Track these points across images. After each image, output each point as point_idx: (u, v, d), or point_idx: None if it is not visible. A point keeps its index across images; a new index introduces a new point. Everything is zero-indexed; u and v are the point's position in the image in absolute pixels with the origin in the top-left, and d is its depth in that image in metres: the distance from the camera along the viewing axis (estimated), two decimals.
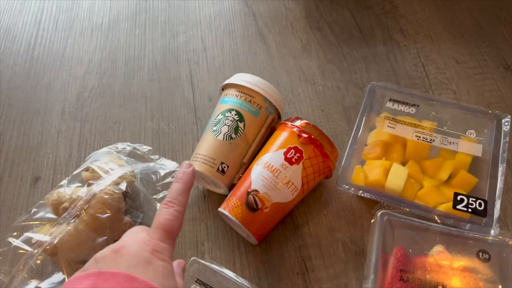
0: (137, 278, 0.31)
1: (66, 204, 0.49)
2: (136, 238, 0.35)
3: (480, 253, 0.43)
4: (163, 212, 0.37)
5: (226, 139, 0.52)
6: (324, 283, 0.49)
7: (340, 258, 0.50)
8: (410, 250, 0.45)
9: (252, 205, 0.48)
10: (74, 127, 0.64)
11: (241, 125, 0.53)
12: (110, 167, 0.53)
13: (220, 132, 0.53)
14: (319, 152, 0.50)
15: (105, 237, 0.48)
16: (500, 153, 0.52)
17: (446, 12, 0.74)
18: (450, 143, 0.55)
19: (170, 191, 0.39)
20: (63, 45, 0.75)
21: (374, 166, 0.53)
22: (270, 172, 0.49)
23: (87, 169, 0.54)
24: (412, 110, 0.58)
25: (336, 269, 0.50)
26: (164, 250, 0.35)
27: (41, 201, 0.51)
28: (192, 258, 0.49)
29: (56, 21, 0.78)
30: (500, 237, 0.44)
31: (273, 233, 0.53)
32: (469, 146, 0.54)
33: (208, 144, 0.53)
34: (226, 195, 0.52)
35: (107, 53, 0.73)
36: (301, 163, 0.49)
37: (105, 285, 0.31)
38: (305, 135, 0.50)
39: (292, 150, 0.50)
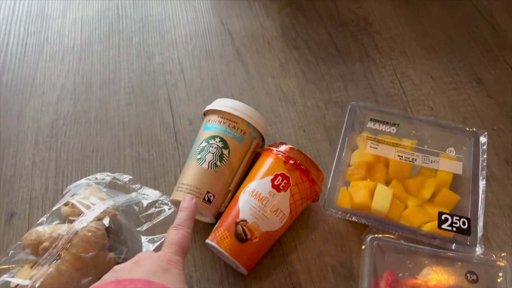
0: (155, 282, 0.35)
1: (46, 244, 0.47)
2: (151, 253, 0.40)
3: (469, 275, 0.44)
4: (174, 233, 0.42)
5: (211, 168, 0.51)
6: None
7: (331, 283, 0.50)
8: (400, 274, 0.45)
9: (241, 236, 0.47)
10: (50, 157, 0.62)
11: (226, 152, 0.52)
12: (91, 202, 0.51)
13: (205, 160, 0.52)
14: (306, 177, 0.50)
15: (90, 278, 0.46)
16: (480, 170, 0.54)
17: (419, 27, 0.75)
18: (431, 162, 0.56)
19: (177, 218, 0.44)
20: (33, 70, 0.72)
21: (359, 188, 0.54)
22: (258, 200, 0.49)
23: (66, 204, 0.52)
24: (393, 129, 0.58)
25: None
26: (178, 261, 0.40)
27: (19, 242, 0.49)
28: None
29: (24, 44, 0.75)
30: (485, 256, 0.45)
31: (262, 261, 0.52)
32: (450, 164, 0.56)
33: (193, 173, 0.52)
34: (213, 224, 0.51)
35: (80, 77, 0.71)
36: (288, 190, 0.49)
37: None
38: (291, 161, 0.50)
39: (279, 177, 0.50)
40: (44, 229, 0.49)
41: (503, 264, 0.44)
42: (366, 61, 0.71)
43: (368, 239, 0.47)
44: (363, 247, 0.47)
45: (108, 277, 0.37)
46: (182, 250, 0.41)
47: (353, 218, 0.51)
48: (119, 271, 0.37)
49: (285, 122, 0.65)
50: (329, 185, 0.53)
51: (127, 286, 0.34)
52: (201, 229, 0.55)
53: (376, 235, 0.47)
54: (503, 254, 0.45)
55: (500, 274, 0.44)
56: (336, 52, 0.73)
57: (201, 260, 0.53)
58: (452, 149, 0.57)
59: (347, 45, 0.73)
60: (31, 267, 0.47)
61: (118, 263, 0.50)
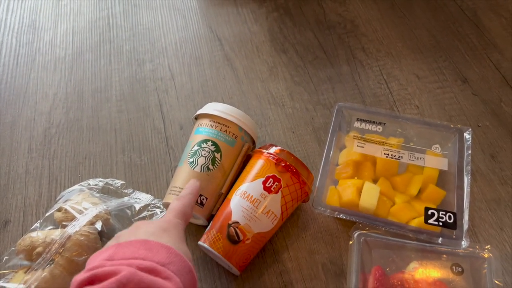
0: (150, 241, 0.36)
1: (40, 249, 0.48)
2: (152, 220, 0.44)
3: (454, 267, 0.45)
4: (175, 202, 0.44)
5: (203, 171, 0.52)
6: None
7: (321, 281, 0.51)
8: (388, 269, 0.46)
9: (233, 237, 0.48)
10: (43, 165, 0.63)
11: (218, 155, 0.53)
12: (83, 207, 0.52)
13: (197, 164, 0.53)
14: (296, 179, 0.51)
15: None
16: (464, 165, 0.55)
17: (404, 29, 0.77)
18: (417, 159, 0.57)
19: (181, 193, 0.46)
20: (25, 80, 0.73)
21: (347, 186, 0.55)
22: (249, 202, 0.49)
23: (59, 210, 0.52)
24: (379, 128, 0.60)
25: None
26: (178, 224, 0.41)
27: (13, 248, 0.50)
28: None
29: (17, 55, 0.76)
30: (471, 249, 0.46)
31: (253, 261, 0.53)
32: (436, 160, 0.57)
33: (185, 176, 0.53)
34: (205, 226, 0.52)
35: (72, 86, 0.72)
36: (280, 192, 0.50)
37: (123, 250, 0.35)
38: (282, 164, 0.51)
39: (271, 179, 0.50)
40: (38, 234, 0.49)
41: (487, 256, 0.45)
42: (353, 63, 0.73)
43: (356, 235, 0.48)
44: (350, 242, 0.47)
45: (111, 242, 0.39)
46: (183, 215, 0.42)
47: (342, 215, 0.52)
48: (121, 236, 0.39)
49: (274, 125, 0.66)
50: (317, 184, 0.54)
51: (125, 247, 0.36)
52: (193, 231, 0.56)
53: (363, 231, 0.48)
54: (487, 247, 0.46)
55: (485, 265, 0.45)
56: (324, 55, 0.74)
57: (193, 261, 0.53)
58: (437, 146, 0.58)
59: (334, 47, 0.75)
60: (25, 272, 0.47)
61: None
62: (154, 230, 0.38)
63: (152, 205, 0.56)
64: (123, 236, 0.39)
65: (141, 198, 0.57)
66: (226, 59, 0.74)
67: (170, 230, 0.39)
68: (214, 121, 0.55)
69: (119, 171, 0.61)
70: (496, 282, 0.44)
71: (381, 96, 0.68)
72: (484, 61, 0.72)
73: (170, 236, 0.38)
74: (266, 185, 0.50)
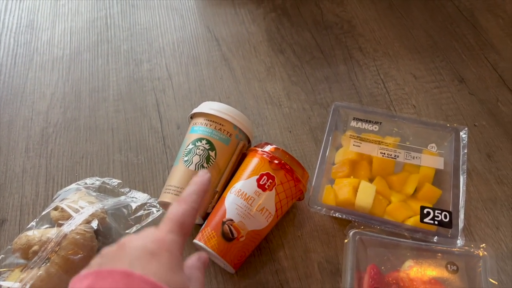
0: (134, 274, 0.29)
1: (35, 248, 0.48)
2: (143, 233, 0.34)
3: (449, 265, 0.45)
4: (175, 208, 0.35)
5: (198, 169, 0.53)
6: None
7: (317, 279, 0.51)
8: (383, 267, 0.46)
9: (228, 235, 0.48)
10: (40, 164, 0.63)
11: (212, 153, 0.54)
12: (80, 205, 0.52)
13: (192, 162, 0.53)
14: (290, 177, 0.51)
15: None
16: (460, 164, 0.55)
17: (401, 29, 0.77)
18: (413, 158, 0.57)
19: (183, 192, 0.38)
20: (23, 80, 0.73)
21: (343, 185, 0.55)
22: (244, 200, 0.50)
23: (56, 209, 0.52)
24: (376, 127, 0.60)
25: None
26: (173, 242, 0.33)
27: (9, 246, 0.50)
28: None
29: (14, 55, 0.77)
30: (466, 247, 0.46)
31: (249, 259, 0.53)
32: (432, 159, 0.57)
33: (180, 175, 0.53)
34: (200, 225, 0.52)
35: (70, 86, 0.72)
36: (274, 189, 0.50)
37: (101, 284, 0.29)
38: (276, 161, 0.51)
39: (265, 177, 0.51)
40: (34, 233, 0.49)
41: (482, 254, 0.45)
42: (350, 62, 0.73)
43: (351, 233, 0.48)
44: (345, 241, 0.47)
45: (93, 263, 0.33)
46: (180, 227, 0.34)
47: (337, 214, 0.52)
48: (104, 257, 0.33)
49: (271, 124, 0.66)
50: (313, 183, 0.54)
51: (104, 279, 0.30)
52: None
53: (358, 230, 0.48)
54: (482, 245, 0.46)
55: (480, 264, 0.45)
56: (321, 55, 0.74)
57: None
58: (433, 145, 0.58)
59: (331, 48, 0.75)
60: (21, 271, 0.47)
61: None
62: (141, 254, 0.31)
63: (148, 204, 0.57)
64: (106, 256, 0.33)
65: (137, 197, 0.57)
66: (224, 59, 0.75)
67: (161, 254, 0.31)
68: (208, 120, 0.55)
69: (116, 171, 0.62)
70: (491, 280, 0.44)
71: (378, 96, 0.68)
72: (481, 61, 0.72)
73: (160, 263, 0.31)
74: (260, 182, 0.50)
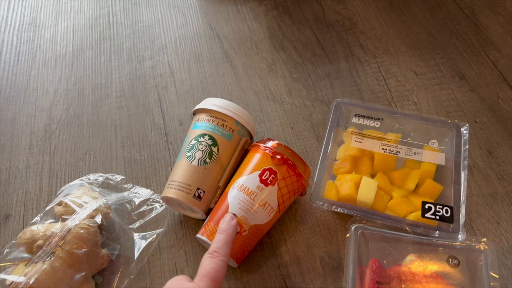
0: None
1: (40, 242, 0.48)
2: (182, 282, 0.38)
3: (450, 259, 0.46)
4: (209, 262, 0.40)
5: (200, 164, 0.53)
6: None
7: (319, 274, 0.52)
8: (385, 261, 0.46)
9: None
10: (43, 161, 0.63)
11: (215, 149, 0.54)
12: (83, 200, 0.52)
13: (194, 158, 0.53)
14: (292, 172, 0.51)
15: (83, 273, 0.47)
16: (462, 160, 0.55)
17: (402, 26, 0.77)
18: (414, 154, 0.57)
19: (214, 242, 0.42)
20: (26, 77, 0.73)
21: (345, 181, 0.55)
22: (246, 195, 0.50)
23: (59, 204, 0.53)
24: (377, 124, 0.60)
25: (315, 284, 0.51)
26: None
27: (14, 241, 0.50)
28: None
29: (17, 53, 0.77)
30: (468, 242, 0.47)
31: (252, 254, 0.53)
32: (433, 155, 0.57)
33: (183, 170, 0.53)
34: (203, 220, 0.53)
35: (72, 83, 0.72)
36: (276, 184, 0.51)
37: None
38: (278, 157, 0.51)
39: (267, 172, 0.51)
40: (38, 228, 0.50)
41: (483, 248, 0.46)
42: (351, 59, 0.73)
43: (353, 228, 0.48)
44: (347, 235, 0.48)
45: None
46: (215, 283, 0.39)
47: (339, 209, 0.52)
48: None
49: (273, 121, 0.66)
50: (315, 179, 0.55)
51: None
52: (192, 225, 0.56)
53: (360, 224, 0.48)
54: (483, 240, 0.47)
55: (481, 258, 0.45)
56: (322, 52, 0.74)
57: (192, 255, 0.54)
58: (434, 141, 0.58)
59: (332, 45, 0.75)
60: (26, 265, 0.48)
61: (111, 259, 0.52)
62: None
63: (151, 200, 0.57)
64: None
65: (140, 193, 0.58)
66: (226, 56, 0.75)
67: None
68: (211, 116, 0.56)
69: (119, 166, 0.62)
70: (492, 274, 0.44)
71: (379, 93, 0.68)
72: (482, 58, 0.72)
73: None
74: (263, 177, 0.50)
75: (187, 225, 0.56)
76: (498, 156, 0.61)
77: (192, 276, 0.52)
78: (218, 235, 0.43)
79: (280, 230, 0.55)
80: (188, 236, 0.55)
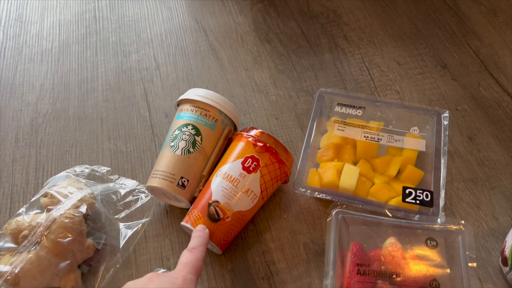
0: None
1: (25, 232, 0.49)
2: (167, 273, 0.41)
3: (428, 241, 0.46)
4: (189, 254, 0.43)
5: (184, 154, 0.54)
6: (289, 285, 0.51)
7: (303, 259, 0.52)
8: (365, 245, 0.47)
9: (213, 216, 0.49)
10: (30, 154, 0.63)
11: (198, 139, 0.55)
12: (69, 191, 0.53)
13: (178, 147, 0.54)
14: (275, 159, 0.52)
15: (68, 261, 0.48)
16: (442, 146, 0.56)
17: (386, 17, 0.78)
18: (396, 141, 0.58)
19: (191, 243, 0.45)
20: (12, 72, 0.74)
21: (328, 168, 0.56)
22: (229, 182, 0.51)
23: (45, 195, 0.53)
24: (359, 112, 0.61)
25: (299, 270, 0.52)
26: (192, 281, 0.40)
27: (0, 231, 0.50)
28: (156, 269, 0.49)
29: (3, 48, 0.77)
30: (446, 224, 0.48)
31: (236, 241, 0.54)
32: (414, 142, 0.58)
33: (167, 160, 0.54)
34: (188, 209, 0.53)
35: (59, 77, 0.73)
36: (258, 171, 0.51)
37: None
38: (260, 144, 0.52)
39: (249, 159, 0.52)
40: (24, 218, 0.50)
41: (459, 228, 0.47)
42: (336, 51, 0.74)
43: (334, 212, 0.49)
44: (328, 219, 0.49)
45: None
46: (196, 270, 0.42)
47: (322, 195, 0.53)
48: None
49: (258, 111, 0.67)
50: (298, 167, 0.55)
51: None
52: (178, 214, 0.57)
53: (341, 209, 0.49)
54: (461, 222, 0.48)
55: (458, 239, 0.46)
56: (307, 43, 0.75)
57: (178, 244, 0.54)
58: (415, 128, 0.59)
59: (317, 37, 0.76)
60: (12, 255, 0.48)
61: (97, 249, 0.52)
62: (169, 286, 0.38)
63: (137, 190, 0.58)
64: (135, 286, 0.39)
65: (126, 184, 0.58)
66: (211, 49, 0.75)
67: None
68: (194, 106, 0.56)
69: (105, 159, 0.62)
70: (469, 254, 0.45)
71: (362, 83, 0.69)
72: (464, 47, 0.73)
73: None
74: (245, 165, 0.51)
75: (172, 215, 0.57)
76: (479, 142, 0.62)
77: (177, 264, 0.52)
78: (193, 239, 0.46)
79: (265, 218, 0.56)
80: (173, 225, 0.56)
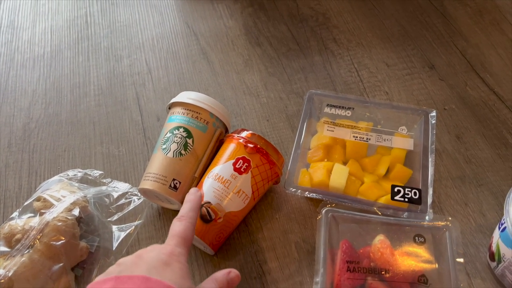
0: (152, 279, 0.35)
1: (18, 236, 0.49)
2: (154, 246, 0.40)
3: (416, 238, 0.47)
4: (178, 224, 0.42)
5: (176, 156, 0.54)
6: (281, 284, 0.51)
7: (294, 258, 0.53)
8: (355, 242, 0.48)
9: (205, 216, 0.50)
10: (23, 159, 0.64)
11: (189, 141, 0.55)
12: (61, 195, 0.53)
13: (170, 150, 0.55)
14: (265, 160, 0.53)
15: (62, 264, 0.48)
16: (429, 144, 0.57)
17: (374, 20, 0.80)
18: (385, 140, 0.59)
19: (181, 209, 0.44)
20: (4, 78, 0.74)
21: (318, 168, 0.57)
22: (221, 183, 0.51)
23: (38, 199, 0.54)
24: (348, 113, 0.62)
25: (291, 269, 0.52)
26: (181, 254, 0.39)
27: None
28: None
29: None
30: (434, 221, 0.48)
31: (229, 242, 0.55)
32: (402, 141, 0.59)
33: (159, 162, 0.54)
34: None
35: (51, 82, 0.73)
36: (249, 172, 0.52)
37: (123, 286, 0.34)
38: (251, 145, 0.53)
39: (240, 161, 0.52)
40: (17, 222, 0.51)
41: (446, 224, 0.48)
42: (325, 53, 0.75)
43: (323, 211, 0.50)
44: (318, 218, 0.49)
45: (111, 270, 0.37)
46: (185, 241, 0.41)
47: (312, 194, 0.54)
48: (122, 265, 0.38)
49: (249, 114, 0.68)
50: (289, 167, 0.56)
51: (125, 284, 0.34)
52: (170, 216, 0.57)
53: (330, 207, 0.50)
54: (449, 218, 0.49)
55: (446, 235, 0.47)
56: (297, 46, 0.76)
57: None
58: (404, 127, 0.60)
59: (306, 39, 0.77)
60: (5, 259, 0.48)
61: (90, 252, 0.53)
62: (156, 264, 0.37)
63: (129, 193, 0.58)
64: (124, 264, 0.38)
65: (119, 187, 0.59)
66: (202, 53, 0.76)
67: (172, 264, 0.37)
68: (185, 109, 0.57)
69: (97, 163, 0.63)
70: (456, 249, 0.46)
71: (351, 84, 0.70)
72: (451, 48, 0.74)
73: (173, 271, 0.37)
74: (236, 166, 0.52)
75: (165, 217, 0.57)
76: (466, 141, 0.63)
77: None
78: (184, 204, 0.45)
79: (257, 218, 0.57)
80: (166, 227, 0.56)
